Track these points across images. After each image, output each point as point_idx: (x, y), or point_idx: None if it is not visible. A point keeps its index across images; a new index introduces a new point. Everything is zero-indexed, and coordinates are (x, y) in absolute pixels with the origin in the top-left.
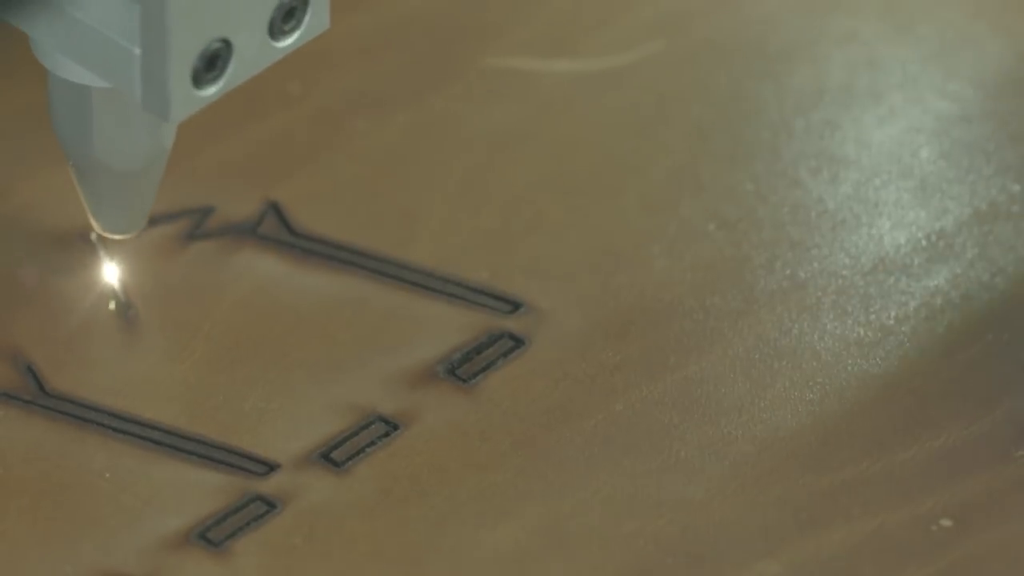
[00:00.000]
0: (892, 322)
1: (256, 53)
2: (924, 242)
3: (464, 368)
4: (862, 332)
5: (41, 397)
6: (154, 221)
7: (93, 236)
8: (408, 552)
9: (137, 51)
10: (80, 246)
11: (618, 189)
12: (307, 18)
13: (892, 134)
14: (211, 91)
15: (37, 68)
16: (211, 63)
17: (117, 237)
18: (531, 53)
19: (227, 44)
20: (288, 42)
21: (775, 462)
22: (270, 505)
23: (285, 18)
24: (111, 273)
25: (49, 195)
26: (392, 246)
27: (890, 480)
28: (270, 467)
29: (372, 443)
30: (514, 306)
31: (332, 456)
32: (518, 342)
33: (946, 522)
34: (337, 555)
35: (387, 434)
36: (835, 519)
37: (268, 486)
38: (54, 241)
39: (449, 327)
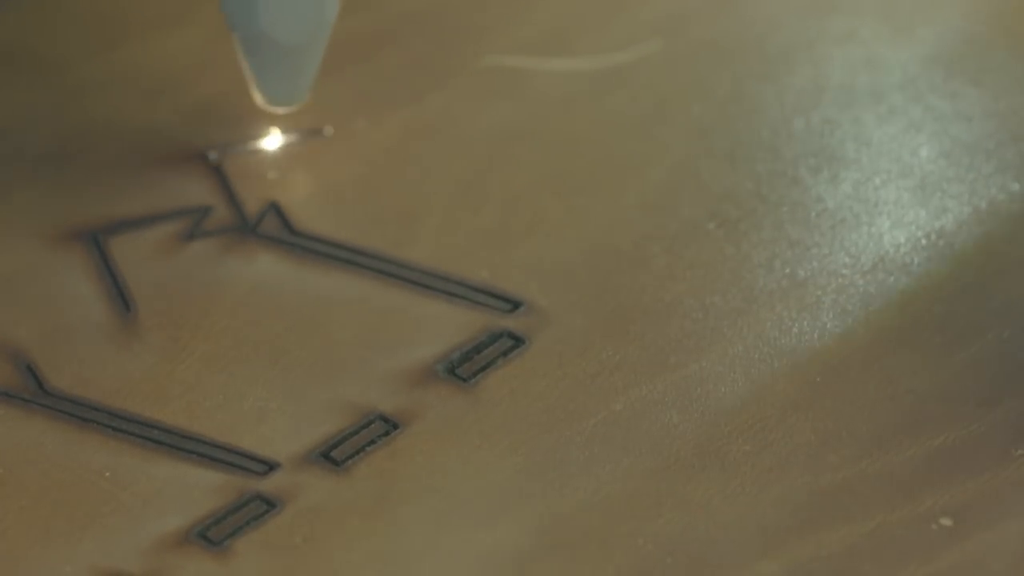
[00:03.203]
0: (892, 321)
1: None
2: (924, 241)
3: (464, 367)
4: (862, 331)
5: (41, 396)
6: (154, 220)
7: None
8: (408, 552)
9: None
10: (80, 246)
11: (618, 189)
12: None
13: (892, 133)
14: None
15: (37, 66)
16: None
17: (280, 110)
18: (531, 52)
19: None
20: None
21: (774, 462)
22: (270, 504)
23: None
24: (111, 272)
25: (49, 194)
26: (392, 246)
27: (890, 480)
28: (270, 466)
29: (372, 442)
30: (514, 305)
31: (332, 455)
32: (518, 341)
33: (946, 521)
34: (337, 555)
35: (387, 433)
36: (835, 519)
37: (268, 485)
38: (54, 241)
39: (449, 326)
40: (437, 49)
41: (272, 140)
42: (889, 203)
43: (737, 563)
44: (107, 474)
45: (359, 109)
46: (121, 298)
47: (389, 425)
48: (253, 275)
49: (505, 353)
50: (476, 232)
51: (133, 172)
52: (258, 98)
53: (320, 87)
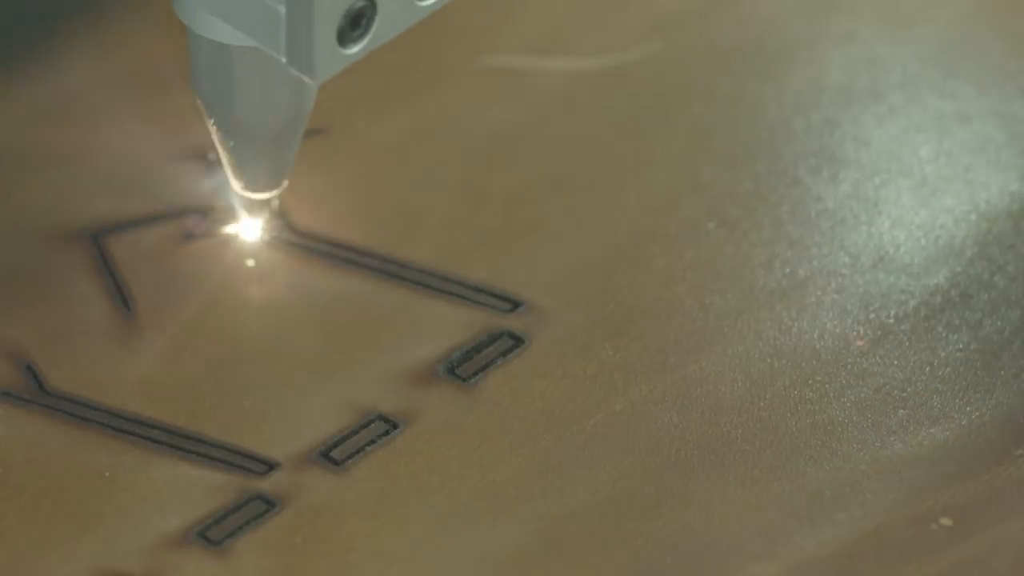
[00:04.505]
0: (892, 320)
1: (400, 12)
2: (924, 241)
3: (464, 367)
4: (862, 331)
5: (41, 396)
6: (154, 221)
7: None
8: (408, 552)
9: (282, 9)
10: (80, 246)
11: (618, 189)
12: None
13: (892, 133)
14: (355, 50)
15: (36, 68)
16: (356, 21)
17: (257, 196)
18: (531, 52)
19: (371, 2)
20: (431, 0)
21: (775, 461)
22: (270, 504)
23: None
24: (111, 272)
25: (49, 195)
26: (392, 246)
27: (890, 480)
28: (270, 466)
29: (372, 442)
30: (514, 305)
31: (332, 455)
32: (518, 341)
33: (946, 521)
34: (337, 555)
35: (387, 433)
36: (835, 519)
37: (268, 485)
38: (54, 241)
39: (449, 326)
40: (437, 49)
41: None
42: (889, 203)
43: (737, 563)
44: (107, 473)
45: (359, 109)
46: (121, 298)
47: (389, 425)
48: (253, 274)
49: (505, 353)
50: (476, 232)
51: (133, 172)
52: (235, 185)
53: (320, 87)
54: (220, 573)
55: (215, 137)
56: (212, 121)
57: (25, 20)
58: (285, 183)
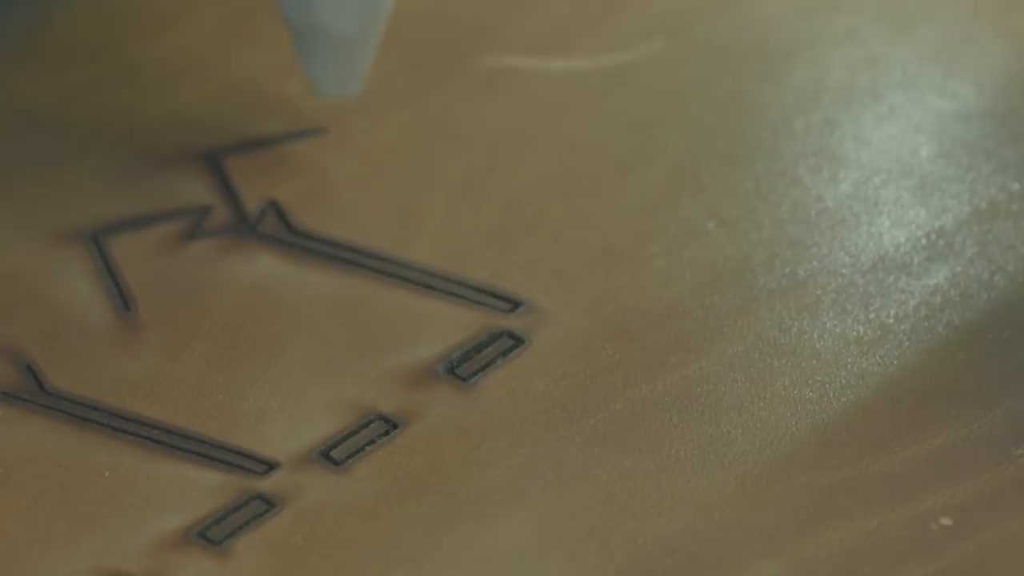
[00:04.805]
0: (892, 321)
1: None
2: (924, 241)
3: (464, 367)
4: (862, 331)
5: (41, 396)
6: (154, 220)
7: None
8: (408, 552)
9: None
10: (80, 246)
11: (618, 189)
12: None
13: (892, 133)
14: None
15: (36, 69)
16: None
17: (334, 100)
18: (531, 52)
19: None
20: None
21: (775, 461)
22: (270, 504)
23: None
24: (111, 272)
25: (49, 195)
26: (392, 245)
27: (890, 480)
28: (270, 466)
29: (372, 442)
30: (514, 305)
31: (332, 455)
32: (518, 341)
33: (946, 521)
34: (337, 555)
35: (387, 433)
36: (834, 519)
37: (268, 485)
38: (54, 241)
39: (449, 326)
40: (437, 49)
41: (272, 140)
42: (889, 203)
43: (737, 563)
44: (107, 474)
45: (359, 109)
46: (121, 298)
47: (389, 425)
48: (253, 275)
49: (505, 353)
50: (476, 232)
51: (133, 172)
52: (311, 89)
53: None
54: (220, 573)
55: (295, 43)
56: (290, 24)
57: (25, 20)
58: (361, 87)
